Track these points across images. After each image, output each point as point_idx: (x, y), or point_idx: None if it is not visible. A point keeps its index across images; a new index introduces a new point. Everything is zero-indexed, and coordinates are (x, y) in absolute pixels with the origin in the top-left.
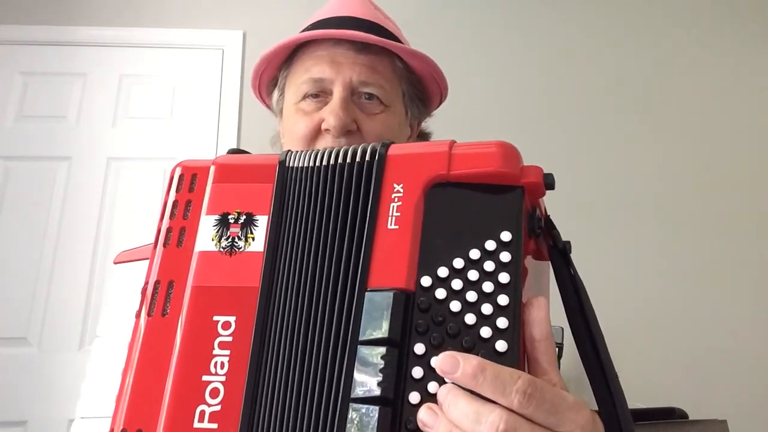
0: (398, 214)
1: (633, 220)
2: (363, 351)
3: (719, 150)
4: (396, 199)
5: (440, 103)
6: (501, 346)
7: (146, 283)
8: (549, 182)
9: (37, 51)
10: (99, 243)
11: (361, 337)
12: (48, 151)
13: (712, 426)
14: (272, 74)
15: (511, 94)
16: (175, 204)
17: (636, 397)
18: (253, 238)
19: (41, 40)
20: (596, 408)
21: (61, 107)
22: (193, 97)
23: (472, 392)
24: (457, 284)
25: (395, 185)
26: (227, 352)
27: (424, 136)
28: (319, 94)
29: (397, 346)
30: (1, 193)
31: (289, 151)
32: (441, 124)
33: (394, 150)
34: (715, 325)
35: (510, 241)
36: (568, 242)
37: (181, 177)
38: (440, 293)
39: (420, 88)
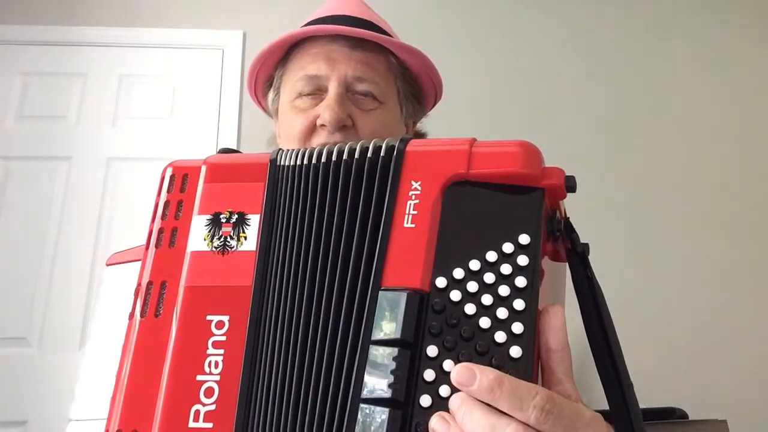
0: (415, 212)
1: (633, 221)
2: (374, 351)
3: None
4: (414, 197)
5: (435, 102)
6: (515, 351)
7: (139, 284)
8: (570, 185)
9: (37, 51)
10: (99, 243)
11: (373, 337)
12: (48, 151)
13: (712, 426)
14: (267, 74)
15: (516, 95)
16: (166, 204)
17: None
18: (246, 237)
19: (41, 40)
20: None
21: (61, 107)
22: (193, 97)
23: (487, 403)
24: (472, 286)
25: (413, 182)
26: (221, 351)
27: (419, 137)
28: (315, 92)
29: (410, 348)
30: (1, 193)
31: (280, 149)
32: (442, 125)
33: (413, 146)
34: (716, 326)
35: (528, 245)
36: (587, 245)
37: (172, 177)
38: (455, 295)
39: (415, 85)
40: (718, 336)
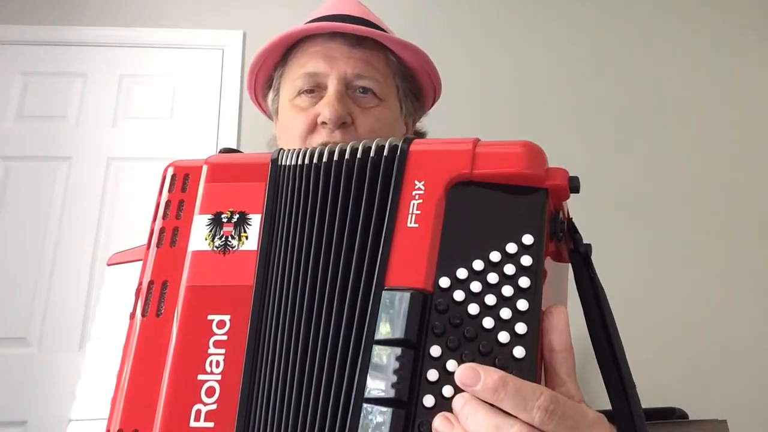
0: (419, 212)
1: (635, 222)
2: (377, 351)
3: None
4: (417, 197)
5: (434, 100)
6: (518, 352)
7: (140, 283)
8: (574, 185)
9: (37, 51)
10: (99, 243)
11: (376, 337)
12: (48, 151)
13: (712, 426)
14: (267, 74)
15: (518, 95)
16: (167, 204)
17: None
18: (247, 237)
19: (41, 40)
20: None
21: (61, 107)
22: (193, 97)
23: (491, 404)
24: (476, 286)
25: (416, 182)
26: (222, 350)
27: (419, 136)
28: (314, 89)
29: (413, 348)
30: (1, 193)
31: (281, 149)
32: (443, 125)
33: (416, 146)
34: (716, 326)
35: (531, 245)
36: (589, 245)
37: (173, 177)
38: (458, 295)
39: (414, 82)
40: (718, 336)
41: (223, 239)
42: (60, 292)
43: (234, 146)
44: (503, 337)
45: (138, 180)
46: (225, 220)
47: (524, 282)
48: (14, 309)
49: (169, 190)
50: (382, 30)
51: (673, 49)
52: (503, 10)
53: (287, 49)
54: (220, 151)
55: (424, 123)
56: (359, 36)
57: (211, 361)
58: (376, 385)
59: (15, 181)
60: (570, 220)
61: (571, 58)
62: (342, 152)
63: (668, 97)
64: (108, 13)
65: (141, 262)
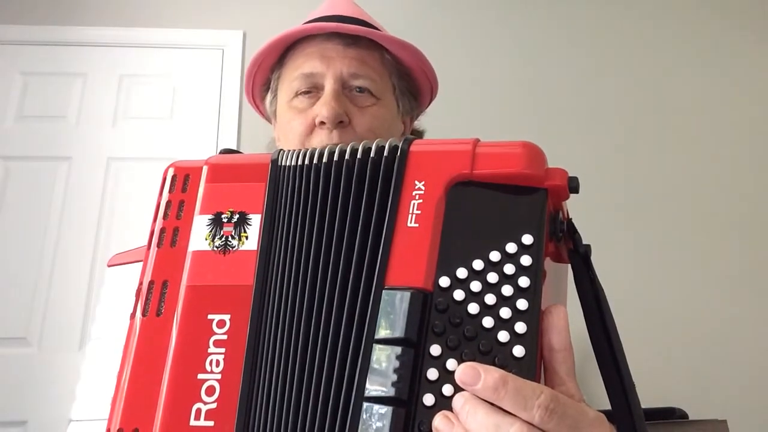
0: (419, 212)
1: (634, 222)
2: (377, 350)
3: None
4: (417, 197)
5: (432, 98)
6: (518, 351)
7: (140, 283)
8: (573, 186)
9: (37, 51)
10: (99, 243)
11: (376, 336)
12: (48, 151)
13: (712, 426)
14: (264, 77)
15: (519, 95)
16: (168, 204)
17: None
18: (247, 237)
19: (41, 40)
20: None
21: (61, 107)
22: (193, 97)
23: (491, 403)
24: (475, 286)
25: (416, 182)
26: (222, 350)
27: (417, 135)
28: (311, 90)
29: (413, 347)
30: (1, 193)
31: (281, 149)
32: (443, 124)
33: (416, 146)
34: (716, 326)
35: (531, 245)
36: (589, 246)
37: (173, 177)
38: (458, 294)
39: (410, 81)
40: (718, 336)
41: (223, 239)
42: (60, 292)
43: (234, 146)
44: (503, 336)
45: (138, 180)
46: (225, 220)
47: (524, 282)
48: (14, 309)
49: (170, 191)
50: (377, 28)
51: (673, 50)
52: (503, 11)
53: (284, 51)
54: (221, 152)
55: (423, 122)
56: (354, 36)
57: (211, 361)
58: (377, 384)
59: (15, 181)
60: (569, 220)
61: (571, 58)
62: (342, 153)
63: (668, 98)
64: (108, 13)
65: (141, 264)
